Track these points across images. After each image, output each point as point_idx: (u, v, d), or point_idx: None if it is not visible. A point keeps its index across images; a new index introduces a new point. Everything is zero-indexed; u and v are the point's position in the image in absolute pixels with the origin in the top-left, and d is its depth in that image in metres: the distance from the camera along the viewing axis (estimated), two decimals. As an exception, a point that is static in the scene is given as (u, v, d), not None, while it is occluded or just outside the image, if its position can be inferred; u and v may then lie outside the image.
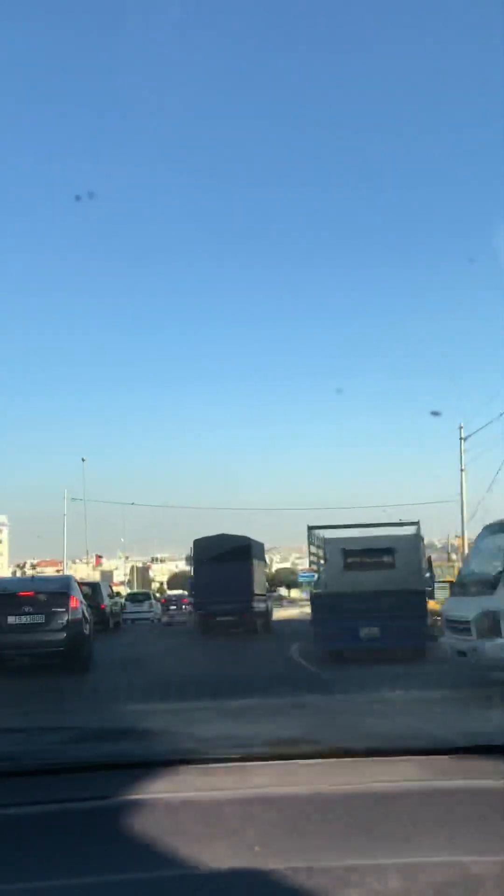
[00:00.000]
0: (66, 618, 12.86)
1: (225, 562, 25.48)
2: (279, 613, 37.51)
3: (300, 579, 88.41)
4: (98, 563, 71.51)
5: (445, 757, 1.71)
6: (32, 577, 20.89)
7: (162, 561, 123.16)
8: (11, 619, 12.62)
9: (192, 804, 1.45)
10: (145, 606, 40.70)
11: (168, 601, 40.53)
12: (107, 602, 28.25)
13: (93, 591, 25.15)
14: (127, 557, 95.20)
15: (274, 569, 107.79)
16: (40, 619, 12.73)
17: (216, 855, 1.27)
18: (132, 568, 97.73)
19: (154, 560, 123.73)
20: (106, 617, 26.35)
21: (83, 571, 74.01)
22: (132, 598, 42.40)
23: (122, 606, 36.20)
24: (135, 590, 57.85)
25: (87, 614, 14.30)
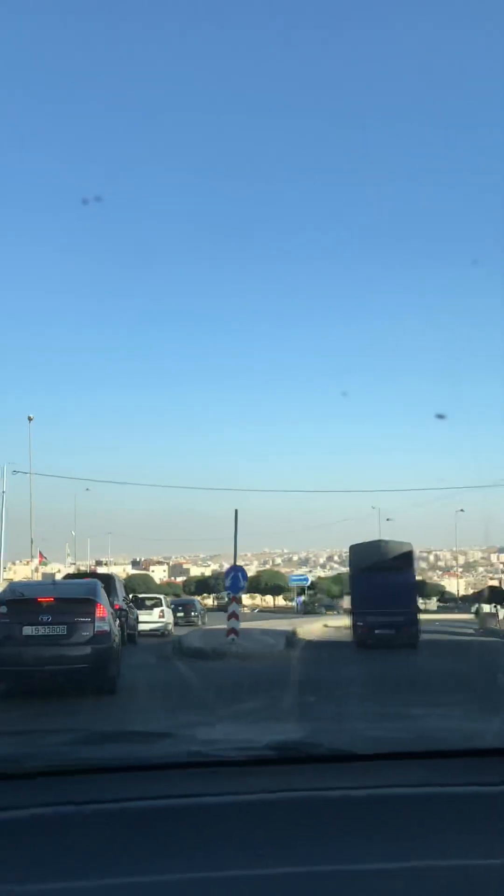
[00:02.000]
0: (91, 629, 10.59)
1: (385, 570, 23.66)
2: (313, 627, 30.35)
3: (292, 582, 74.08)
4: (42, 562, 53.43)
5: (448, 760, 1.74)
6: (53, 580, 16.29)
7: (105, 564, 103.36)
8: (28, 630, 10.38)
9: (194, 807, 1.47)
10: (155, 615, 28.71)
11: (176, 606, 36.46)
12: (122, 604, 20.68)
13: (106, 585, 16.53)
14: (74, 562, 76.54)
15: (254, 571, 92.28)
16: (61, 630, 10.46)
17: (219, 858, 1.28)
18: (78, 572, 77.91)
19: (99, 563, 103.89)
20: (121, 623, 18.55)
21: (23, 573, 56.26)
22: (136, 602, 28.54)
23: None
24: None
25: (114, 625, 12.04)
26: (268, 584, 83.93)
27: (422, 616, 26.30)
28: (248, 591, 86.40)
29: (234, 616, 20.30)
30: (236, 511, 22.00)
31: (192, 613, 40.34)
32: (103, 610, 11.09)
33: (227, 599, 23.05)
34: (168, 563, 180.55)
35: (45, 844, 1.33)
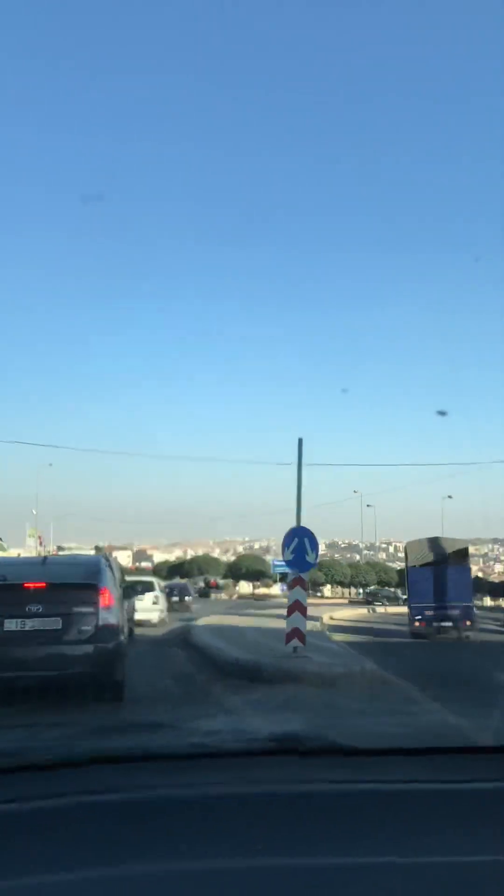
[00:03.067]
0: (94, 622, 8.17)
1: (442, 565, 24.27)
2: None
3: (275, 569, 68.07)
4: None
5: (447, 756, 1.76)
6: (45, 557, 11.10)
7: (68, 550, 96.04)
8: (11, 624, 8.00)
9: (195, 798, 1.47)
10: (148, 601, 23.28)
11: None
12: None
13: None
14: (40, 540, 68.64)
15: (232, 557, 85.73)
16: (55, 623, 8.06)
17: (218, 851, 1.28)
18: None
19: (61, 549, 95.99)
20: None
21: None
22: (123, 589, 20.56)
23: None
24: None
25: (123, 616, 9.49)
26: (249, 569, 77.68)
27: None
28: (228, 577, 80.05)
29: (298, 609, 12.01)
30: (300, 440, 14.11)
31: (187, 598, 37.12)
32: (110, 597, 8.47)
33: (280, 583, 20.11)
34: (132, 549, 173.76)
35: (46, 837, 1.33)
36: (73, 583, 8.49)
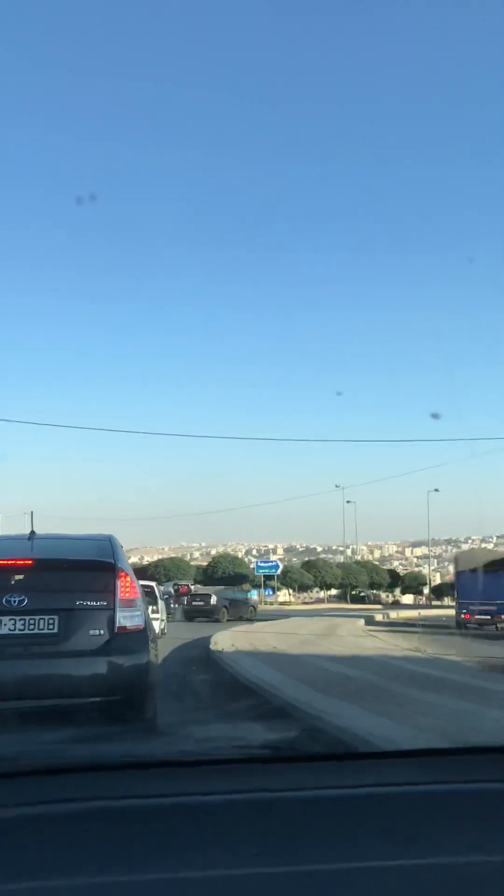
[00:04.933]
0: (110, 623, 5.37)
1: (487, 571, 28.52)
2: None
3: (259, 570, 59.07)
4: None
5: (444, 758, 1.73)
6: (32, 533, 6.57)
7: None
8: None
9: (190, 805, 1.45)
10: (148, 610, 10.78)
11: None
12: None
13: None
14: None
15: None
16: (47, 623, 5.26)
17: (214, 857, 1.27)
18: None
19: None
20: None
21: None
22: None
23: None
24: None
25: (150, 618, 6.10)
26: (226, 572, 67.72)
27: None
28: (201, 582, 70.85)
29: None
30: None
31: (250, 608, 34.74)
32: (131, 584, 5.60)
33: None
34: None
35: (40, 842, 1.31)
36: (77, 559, 5.61)
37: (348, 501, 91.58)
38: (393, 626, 30.72)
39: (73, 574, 5.49)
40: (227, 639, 17.68)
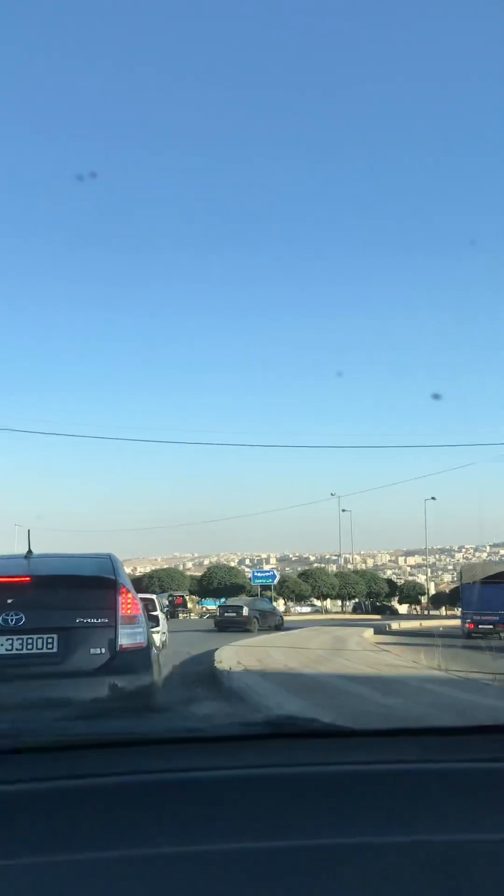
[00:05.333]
0: (111, 642, 5.30)
1: (489, 584, 31.04)
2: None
3: (255, 580, 57.89)
4: None
5: (443, 737, 1.76)
6: (28, 552, 6.21)
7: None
8: None
9: (191, 782, 1.46)
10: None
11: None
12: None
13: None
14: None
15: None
16: (48, 644, 5.19)
17: (216, 833, 1.28)
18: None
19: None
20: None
21: None
22: None
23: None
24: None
25: (152, 635, 6.03)
26: (221, 583, 66.25)
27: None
28: (195, 593, 69.35)
29: None
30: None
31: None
32: (133, 601, 5.55)
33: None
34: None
35: (44, 819, 1.32)
36: (76, 576, 5.55)
37: (344, 510, 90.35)
38: (398, 635, 32.90)
39: (72, 591, 5.40)
40: (231, 655, 16.79)
